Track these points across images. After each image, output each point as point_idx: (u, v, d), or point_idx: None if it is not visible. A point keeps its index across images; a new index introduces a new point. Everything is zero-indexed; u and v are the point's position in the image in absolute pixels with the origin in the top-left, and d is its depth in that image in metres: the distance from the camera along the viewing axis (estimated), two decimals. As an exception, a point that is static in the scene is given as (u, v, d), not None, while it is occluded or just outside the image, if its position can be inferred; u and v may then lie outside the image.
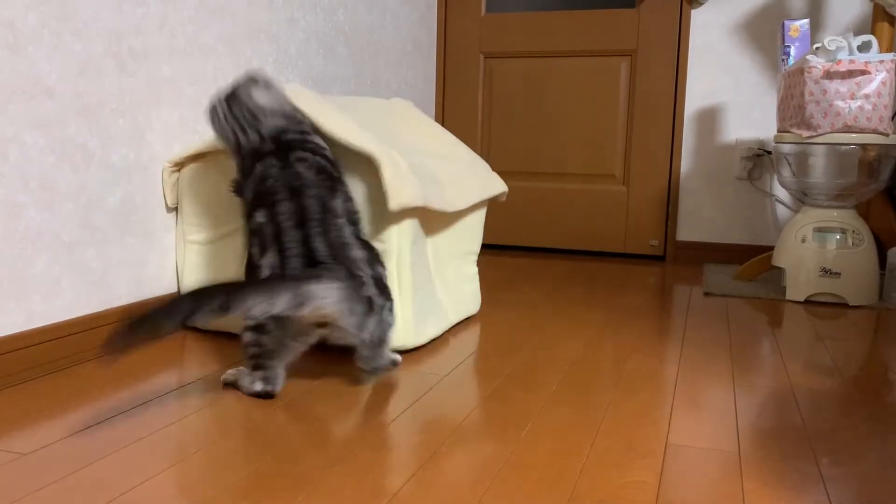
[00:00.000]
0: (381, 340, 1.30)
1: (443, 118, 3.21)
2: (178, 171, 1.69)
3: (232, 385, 1.33)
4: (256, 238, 1.29)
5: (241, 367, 1.33)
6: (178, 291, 1.73)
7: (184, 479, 0.99)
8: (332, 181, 1.34)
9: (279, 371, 1.29)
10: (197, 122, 1.76)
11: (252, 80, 1.40)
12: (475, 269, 1.92)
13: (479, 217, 1.89)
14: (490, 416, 1.23)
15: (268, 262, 1.26)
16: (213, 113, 1.40)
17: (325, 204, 1.29)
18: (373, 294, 1.28)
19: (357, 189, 1.50)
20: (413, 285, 1.56)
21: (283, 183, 1.29)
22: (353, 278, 1.24)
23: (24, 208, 1.35)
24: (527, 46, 3.07)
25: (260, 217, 1.29)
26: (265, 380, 1.28)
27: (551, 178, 3.11)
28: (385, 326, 1.31)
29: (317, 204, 1.28)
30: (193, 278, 1.69)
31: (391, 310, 1.34)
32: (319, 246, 1.25)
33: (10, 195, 1.32)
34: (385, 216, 1.52)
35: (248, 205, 1.33)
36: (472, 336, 1.75)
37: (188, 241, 1.69)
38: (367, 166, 1.50)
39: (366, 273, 1.28)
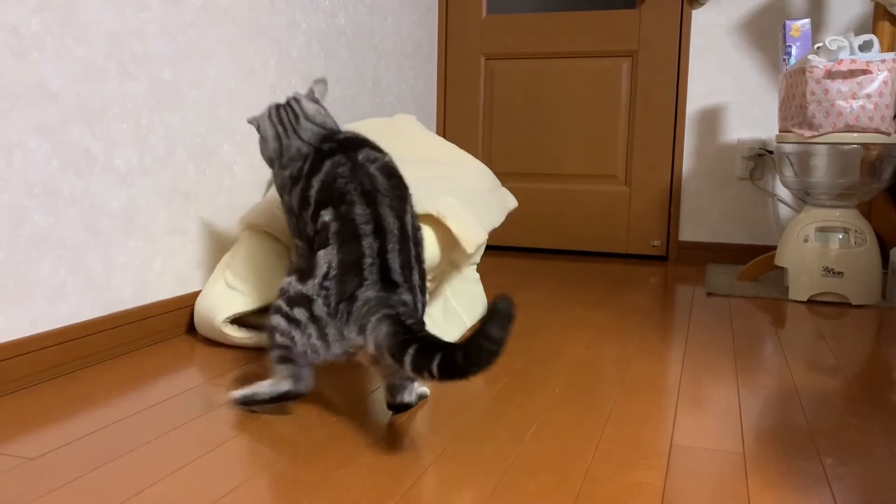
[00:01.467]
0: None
1: (444, 120, 3.22)
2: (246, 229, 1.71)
3: (246, 403, 1.23)
4: (317, 237, 1.19)
5: (253, 384, 1.23)
6: (189, 297, 1.73)
7: (191, 482, 0.99)
8: (403, 190, 1.25)
9: (308, 370, 1.18)
10: (198, 125, 1.76)
11: (306, 95, 1.39)
12: (477, 275, 1.93)
13: None
14: (495, 417, 1.24)
15: (326, 257, 1.15)
16: (264, 114, 1.37)
17: (400, 218, 1.20)
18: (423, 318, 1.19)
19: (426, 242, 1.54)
20: (431, 297, 1.61)
21: (356, 185, 1.20)
22: (416, 311, 1.16)
23: (28, 212, 1.35)
24: (528, 48, 3.08)
25: (326, 215, 1.18)
26: (294, 377, 1.18)
27: (553, 179, 3.11)
28: None
29: (393, 216, 1.19)
30: (209, 300, 1.68)
31: None
32: (395, 265, 1.15)
33: (14, 200, 1.32)
34: (445, 256, 1.57)
35: (303, 207, 1.25)
36: (475, 338, 1.75)
37: (224, 272, 1.68)
38: (428, 219, 1.54)
39: (420, 302, 1.19)
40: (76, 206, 1.45)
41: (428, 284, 1.61)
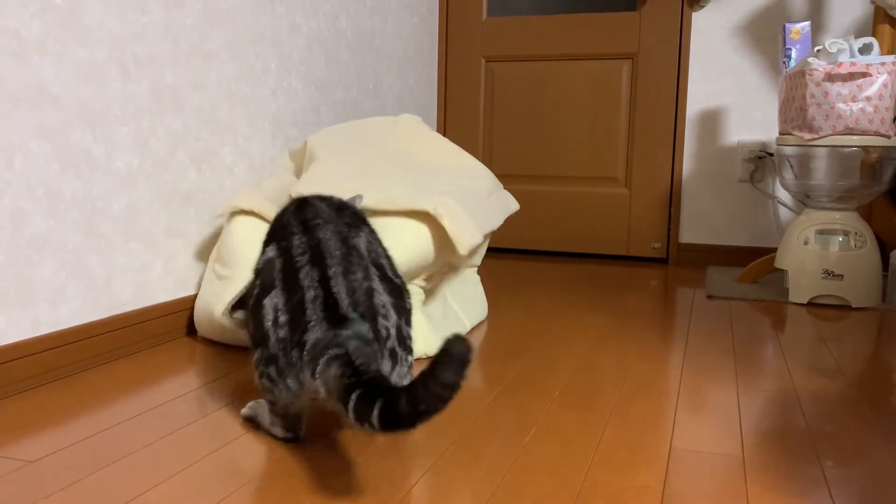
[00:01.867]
0: None
1: (444, 122, 3.22)
2: (231, 215, 1.70)
3: (251, 421, 1.22)
4: (259, 278, 1.12)
5: (260, 400, 1.19)
6: (190, 299, 1.73)
7: (191, 486, 0.99)
8: (354, 219, 1.18)
9: (299, 419, 1.13)
10: (200, 128, 1.76)
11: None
12: (477, 277, 1.94)
13: None
14: (495, 420, 1.24)
15: (271, 303, 1.07)
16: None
17: (345, 240, 1.12)
18: (395, 346, 1.09)
19: (418, 238, 1.54)
20: (422, 297, 1.60)
21: (298, 218, 1.15)
22: (377, 338, 1.06)
23: (29, 215, 1.35)
24: (528, 50, 3.08)
25: (270, 252, 1.13)
26: (285, 428, 1.14)
27: (553, 182, 3.11)
28: (402, 373, 1.11)
29: (336, 240, 1.11)
30: (206, 299, 1.68)
31: (411, 365, 1.16)
32: (340, 290, 1.05)
33: (15, 203, 1.33)
34: (440, 257, 1.58)
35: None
36: (476, 340, 1.75)
37: (214, 267, 1.69)
38: (424, 216, 1.55)
39: (392, 320, 1.09)
40: (77, 209, 1.45)
41: (423, 284, 1.61)
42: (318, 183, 1.61)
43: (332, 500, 0.95)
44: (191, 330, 1.76)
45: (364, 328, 1.03)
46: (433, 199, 1.54)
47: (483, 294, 1.96)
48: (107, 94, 1.50)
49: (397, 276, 1.17)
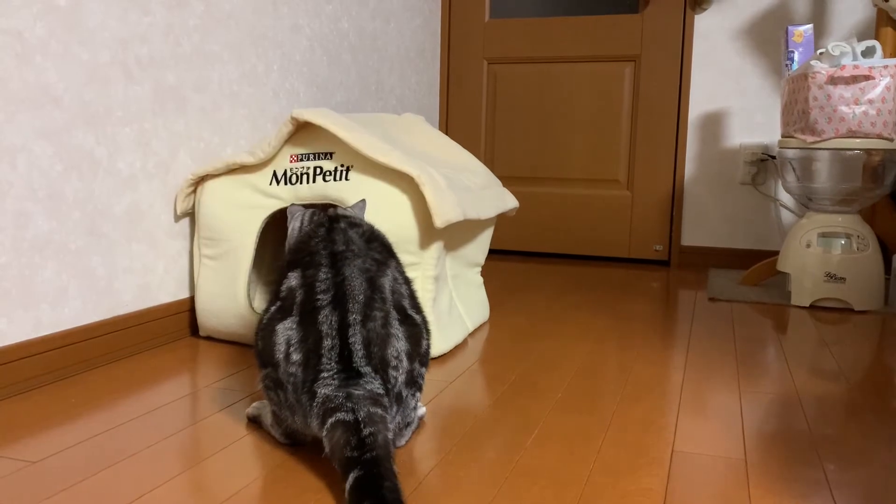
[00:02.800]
0: (406, 425, 1.14)
1: (447, 124, 3.22)
2: (195, 185, 1.70)
3: (255, 421, 1.21)
4: (280, 302, 1.11)
5: (265, 401, 1.19)
6: (192, 301, 1.73)
7: (194, 485, 0.99)
8: (384, 254, 1.17)
9: (300, 433, 1.12)
10: (201, 129, 1.76)
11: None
12: (480, 279, 1.94)
13: (489, 231, 1.94)
14: (497, 422, 1.24)
15: (285, 334, 1.07)
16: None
17: (371, 280, 1.11)
18: (402, 390, 1.09)
19: (395, 205, 1.53)
20: (434, 296, 1.60)
21: (328, 248, 1.12)
22: (386, 389, 1.06)
23: (32, 217, 1.35)
24: (530, 52, 3.08)
25: (293, 280, 1.11)
26: (286, 435, 1.13)
27: (555, 184, 3.11)
28: (408, 411, 1.12)
29: (361, 279, 1.10)
30: (206, 290, 1.69)
31: (419, 399, 1.17)
32: (357, 345, 1.05)
33: (18, 204, 1.33)
34: (424, 231, 1.55)
35: (283, 264, 1.19)
36: (477, 342, 1.75)
37: (203, 255, 1.69)
38: (407, 184, 1.54)
39: (402, 368, 1.09)
40: (79, 210, 1.45)
41: (419, 263, 1.58)
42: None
43: (335, 499, 0.95)
44: (193, 331, 1.76)
45: (376, 384, 1.04)
46: (421, 168, 1.52)
47: (485, 295, 1.96)
48: (109, 96, 1.50)
49: (419, 311, 1.17)
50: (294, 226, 1.26)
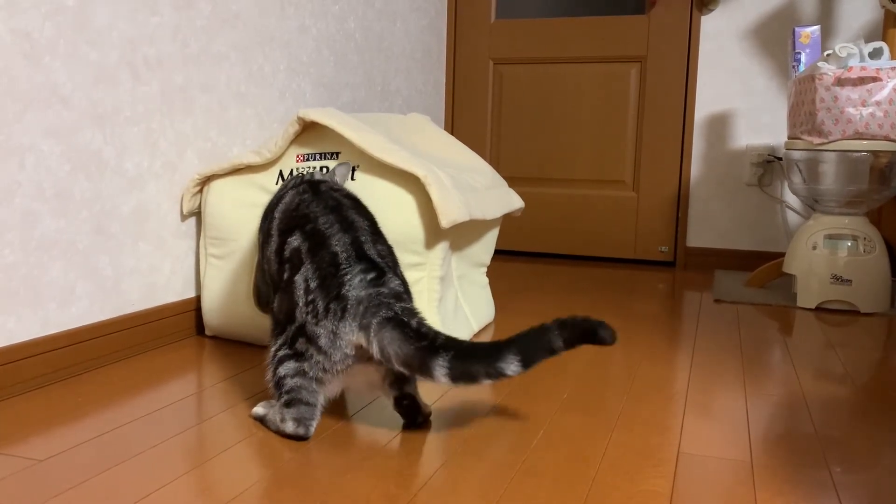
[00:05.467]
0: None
1: (452, 124, 3.22)
2: (202, 185, 1.70)
3: (261, 421, 1.21)
4: (288, 263, 1.17)
5: (271, 401, 1.20)
6: (198, 300, 1.74)
7: (199, 485, 0.99)
8: (369, 214, 1.26)
9: (315, 411, 1.14)
10: (209, 129, 1.77)
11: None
12: (486, 279, 1.94)
13: (495, 232, 1.94)
14: (502, 423, 1.24)
15: (302, 277, 1.13)
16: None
17: (370, 218, 1.23)
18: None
19: (400, 205, 1.54)
20: (440, 296, 1.59)
21: (320, 203, 1.21)
22: (406, 289, 1.16)
23: (39, 216, 1.36)
24: (536, 52, 3.08)
25: (295, 241, 1.18)
26: (297, 420, 1.13)
27: (561, 184, 3.11)
28: None
29: (361, 218, 1.21)
30: (212, 290, 1.69)
31: None
32: (372, 252, 1.14)
33: (26, 203, 1.33)
34: (430, 231, 1.55)
35: (267, 235, 1.25)
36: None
37: (209, 254, 1.70)
38: (413, 184, 1.54)
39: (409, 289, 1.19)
40: (87, 210, 1.46)
41: (416, 259, 1.59)
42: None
43: (341, 499, 0.95)
44: (199, 330, 1.77)
45: (398, 283, 1.13)
46: (428, 168, 1.53)
47: (490, 296, 1.96)
48: (117, 96, 1.50)
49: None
50: (276, 194, 1.34)
